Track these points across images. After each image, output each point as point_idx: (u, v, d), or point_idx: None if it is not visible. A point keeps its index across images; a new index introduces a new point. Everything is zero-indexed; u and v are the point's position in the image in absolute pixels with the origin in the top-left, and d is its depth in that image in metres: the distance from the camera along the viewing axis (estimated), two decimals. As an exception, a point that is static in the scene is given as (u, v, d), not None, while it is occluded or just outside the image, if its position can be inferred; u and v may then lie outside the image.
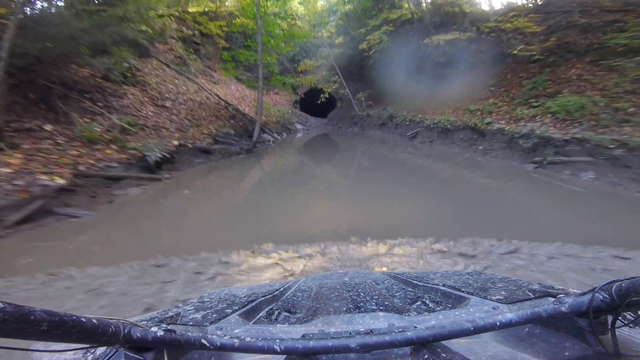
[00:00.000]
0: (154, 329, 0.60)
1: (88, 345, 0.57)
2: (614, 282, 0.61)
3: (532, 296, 0.76)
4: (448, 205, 5.64)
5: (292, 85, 21.21)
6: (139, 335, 0.58)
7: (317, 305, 0.96)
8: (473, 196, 6.14)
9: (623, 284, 0.59)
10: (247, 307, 0.91)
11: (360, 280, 1.32)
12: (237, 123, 12.90)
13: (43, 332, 0.44)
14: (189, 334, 0.62)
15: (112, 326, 0.54)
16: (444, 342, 0.61)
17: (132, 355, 0.60)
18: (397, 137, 13.97)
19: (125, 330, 0.56)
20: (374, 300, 0.97)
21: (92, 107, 7.76)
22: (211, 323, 0.76)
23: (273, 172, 9.47)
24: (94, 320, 0.51)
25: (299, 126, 20.14)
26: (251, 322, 0.83)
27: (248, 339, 0.61)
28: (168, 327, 0.62)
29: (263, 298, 1.02)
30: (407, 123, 13.61)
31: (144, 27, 10.80)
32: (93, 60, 8.37)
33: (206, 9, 18.83)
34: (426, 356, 0.58)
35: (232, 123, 12.69)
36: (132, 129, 8.02)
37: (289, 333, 0.72)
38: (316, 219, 5.33)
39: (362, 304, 0.94)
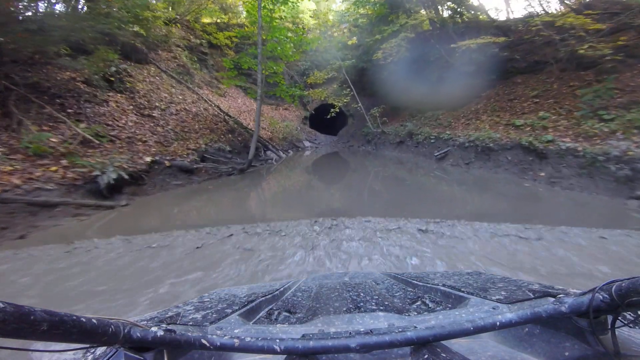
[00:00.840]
0: (154, 329, 0.60)
1: (88, 345, 0.57)
2: (614, 282, 0.61)
3: (532, 296, 0.75)
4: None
5: (300, 98, 20.65)
6: (139, 335, 0.58)
7: (317, 305, 0.96)
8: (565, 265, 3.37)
9: (623, 284, 0.59)
10: (247, 307, 0.91)
11: (360, 280, 1.31)
12: (235, 138, 12.12)
13: (43, 332, 0.44)
14: (189, 334, 0.62)
15: (112, 326, 0.54)
16: (444, 342, 0.61)
17: (132, 355, 0.59)
18: (419, 158, 12.40)
19: (125, 330, 0.56)
20: (374, 300, 0.97)
21: (57, 113, 7.04)
22: (211, 323, 0.75)
23: (265, 202, 7.73)
24: (94, 320, 0.51)
25: (307, 143, 19.31)
26: (251, 322, 0.83)
27: (248, 339, 0.61)
28: (168, 327, 0.62)
29: (263, 298, 1.02)
30: (432, 141, 12.07)
31: (136, 28, 10.59)
32: (73, 62, 8.05)
33: (218, 20, 19.01)
34: (426, 356, 0.58)
35: (229, 138, 11.72)
36: (98, 141, 7.13)
37: (289, 333, 0.71)
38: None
39: (362, 304, 0.95)
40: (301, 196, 7.87)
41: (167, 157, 7.55)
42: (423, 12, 13.97)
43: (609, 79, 7.63)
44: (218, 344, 0.60)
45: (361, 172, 10.91)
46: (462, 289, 0.91)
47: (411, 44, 13.79)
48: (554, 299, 0.67)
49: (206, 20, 17.96)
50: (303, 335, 0.64)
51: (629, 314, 0.62)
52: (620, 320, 0.62)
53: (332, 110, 17.60)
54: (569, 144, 6.59)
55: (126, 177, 5.95)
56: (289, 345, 0.59)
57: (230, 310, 0.86)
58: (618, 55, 7.61)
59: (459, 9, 13.00)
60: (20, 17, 6.93)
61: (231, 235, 4.08)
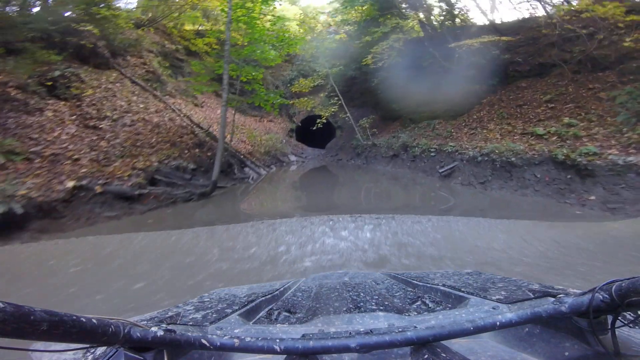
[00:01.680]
0: (154, 328, 0.61)
1: (88, 345, 0.58)
2: (613, 282, 0.63)
3: (532, 296, 0.77)
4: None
5: (285, 110, 19.79)
6: (138, 335, 0.58)
7: (317, 305, 0.96)
8: None
9: (623, 284, 0.61)
10: (247, 307, 0.91)
11: (360, 280, 1.30)
12: (204, 153, 10.62)
13: (43, 332, 0.44)
14: (189, 334, 0.63)
15: (112, 326, 0.54)
16: (444, 342, 0.63)
17: (132, 355, 0.60)
18: (416, 174, 10.90)
19: (125, 330, 0.57)
20: (374, 300, 0.97)
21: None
22: (211, 323, 0.76)
23: (217, 251, 4.80)
24: (94, 320, 0.52)
25: (293, 157, 17.95)
26: (251, 322, 0.84)
27: (248, 339, 0.61)
28: (168, 327, 0.63)
29: (263, 298, 1.01)
30: (432, 154, 10.68)
31: (90, 28, 9.67)
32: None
33: (199, 27, 18.15)
34: (426, 356, 0.59)
35: (194, 153, 10.13)
36: (7, 159, 5.66)
37: (289, 333, 0.73)
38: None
39: (362, 304, 0.95)
40: (273, 240, 5.03)
41: (101, 181, 5.66)
42: (418, 14, 12.97)
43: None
44: (218, 344, 0.60)
45: (350, 194, 9.43)
46: (462, 289, 0.91)
47: (404, 47, 13.31)
48: (554, 299, 0.68)
49: (188, 27, 17.52)
50: (303, 335, 0.65)
51: (629, 314, 0.63)
52: (620, 320, 0.63)
53: (318, 121, 16.63)
54: (629, 158, 4.86)
55: (19, 211, 4.01)
56: (289, 345, 0.59)
57: (230, 310, 0.85)
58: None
59: (452, 10, 11.68)
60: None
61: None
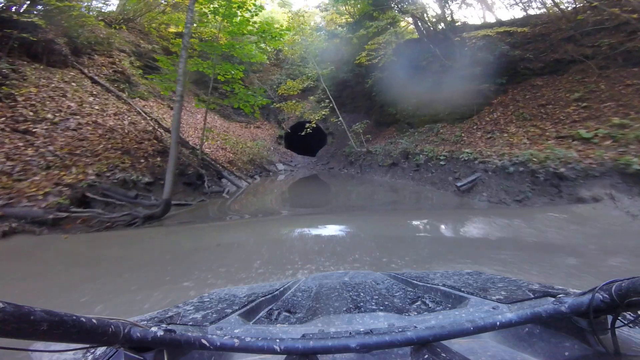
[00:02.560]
0: (153, 329, 0.61)
1: (88, 345, 0.59)
2: (613, 282, 0.64)
3: (532, 296, 0.78)
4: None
5: (274, 115, 19.21)
6: (138, 335, 0.59)
7: (317, 305, 0.95)
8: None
9: (623, 284, 0.62)
10: (247, 307, 0.90)
11: (360, 280, 1.27)
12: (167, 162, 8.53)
13: (43, 332, 0.45)
14: (189, 334, 0.63)
15: (112, 326, 0.55)
16: (444, 342, 0.64)
17: (132, 355, 0.60)
18: (423, 187, 9.10)
19: (125, 330, 0.58)
20: (374, 300, 0.97)
21: None
22: (211, 323, 0.76)
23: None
24: (94, 320, 0.53)
25: (280, 166, 16.67)
26: (251, 322, 0.83)
27: (248, 339, 0.61)
28: (168, 327, 0.63)
29: (263, 298, 1.00)
30: (442, 163, 9.12)
31: (36, 20, 8.22)
32: None
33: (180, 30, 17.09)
34: (426, 356, 0.60)
35: (153, 162, 8.34)
36: None
37: (289, 333, 0.73)
38: None
39: (362, 303, 0.94)
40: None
41: (1, 201, 3.81)
42: (416, 10, 13.02)
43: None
44: (218, 344, 0.60)
45: (349, 217, 6.74)
46: (462, 289, 0.92)
47: (401, 44, 11.75)
48: (553, 299, 0.70)
49: (173, 29, 16.30)
50: (303, 335, 0.66)
51: (629, 314, 0.65)
52: (620, 320, 0.65)
53: (307, 125, 15.70)
54: None
55: None
56: (289, 345, 0.60)
57: (230, 310, 0.85)
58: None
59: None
60: None
61: None
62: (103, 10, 13.85)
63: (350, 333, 0.62)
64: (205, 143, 12.34)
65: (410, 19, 13.25)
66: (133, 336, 0.57)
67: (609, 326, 0.64)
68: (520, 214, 5.30)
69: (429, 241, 4.23)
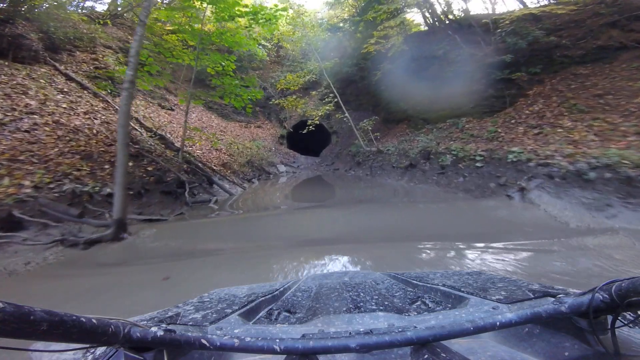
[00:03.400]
0: (153, 328, 0.61)
1: (88, 345, 0.59)
2: (613, 282, 0.64)
3: (532, 296, 0.77)
4: None
5: (275, 114, 17.46)
6: (138, 335, 0.59)
7: (317, 305, 0.93)
8: None
9: (623, 284, 0.62)
10: (247, 307, 0.88)
11: (360, 280, 1.23)
12: (142, 168, 7.28)
13: (43, 332, 0.45)
14: (189, 334, 0.63)
15: (112, 326, 0.55)
16: (444, 342, 0.64)
17: (132, 355, 0.60)
18: (455, 194, 7.03)
19: (125, 330, 0.57)
20: (373, 300, 0.95)
21: None
22: (211, 323, 0.75)
23: None
24: (94, 320, 0.52)
25: (282, 168, 15.26)
26: (251, 322, 0.82)
27: (248, 339, 0.61)
28: (168, 327, 0.63)
29: (263, 298, 0.98)
30: (478, 165, 7.33)
31: None
32: None
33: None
34: (426, 356, 0.59)
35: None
36: None
37: (289, 333, 0.73)
38: None
39: (362, 304, 0.92)
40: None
41: None
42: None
43: None
44: (218, 344, 0.60)
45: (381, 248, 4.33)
46: (462, 289, 0.90)
47: (412, 35, 11.64)
48: (553, 299, 0.70)
49: (169, 27, 14.57)
50: (303, 335, 0.66)
51: (629, 314, 0.65)
52: (620, 320, 0.64)
53: (309, 122, 14.56)
54: None
55: None
56: (288, 345, 0.59)
57: (230, 310, 0.84)
58: None
59: None
60: None
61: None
62: (94, 9, 13.54)
63: (350, 333, 0.62)
64: (198, 144, 11.14)
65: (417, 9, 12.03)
66: (133, 336, 0.57)
67: (609, 326, 0.64)
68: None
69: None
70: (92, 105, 9.06)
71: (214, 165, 10.82)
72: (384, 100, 14.08)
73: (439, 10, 12.88)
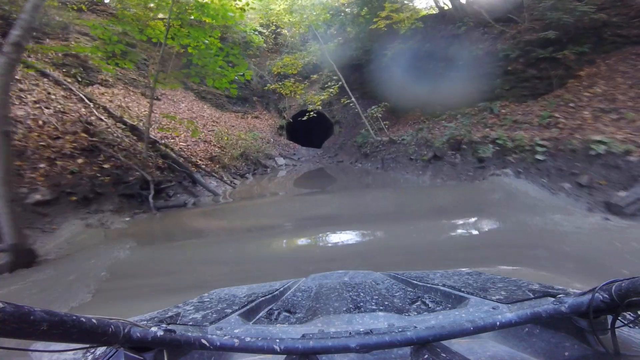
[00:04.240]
0: (153, 328, 0.61)
1: (88, 345, 0.58)
2: (613, 282, 0.64)
3: (532, 296, 0.77)
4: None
5: (274, 104, 15.93)
6: (138, 335, 0.59)
7: (317, 305, 0.92)
8: None
9: (623, 284, 0.61)
10: (247, 307, 0.88)
11: (360, 280, 1.22)
12: (97, 166, 5.84)
13: (43, 332, 0.45)
14: (189, 334, 0.63)
15: (112, 326, 0.55)
16: (444, 342, 0.65)
17: (132, 355, 0.60)
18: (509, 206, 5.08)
19: (125, 330, 0.57)
20: (373, 300, 0.94)
21: None
22: (211, 323, 0.75)
23: None
24: (94, 320, 0.52)
25: (281, 160, 13.99)
26: (251, 322, 0.82)
27: (248, 339, 0.61)
28: (168, 327, 0.63)
29: (263, 298, 0.98)
30: (538, 157, 5.77)
31: None
32: None
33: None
34: (426, 356, 0.60)
35: (65, 166, 5.33)
36: None
37: (289, 333, 0.73)
38: None
39: (362, 304, 0.92)
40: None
41: None
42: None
43: None
44: (218, 344, 0.60)
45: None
46: (462, 289, 0.89)
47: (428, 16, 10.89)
48: (553, 299, 0.70)
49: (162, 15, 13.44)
50: (303, 335, 0.66)
51: (629, 314, 0.66)
52: (620, 320, 0.65)
53: (310, 108, 13.48)
54: None
55: None
56: (288, 345, 0.60)
57: (230, 310, 0.84)
58: None
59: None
60: None
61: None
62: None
63: (350, 333, 0.62)
64: (182, 136, 9.75)
65: None
66: (133, 336, 0.57)
67: (609, 326, 0.64)
68: None
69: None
70: (48, 93, 7.71)
71: (199, 160, 9.75)
72: (394, 85, 12.87)
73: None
